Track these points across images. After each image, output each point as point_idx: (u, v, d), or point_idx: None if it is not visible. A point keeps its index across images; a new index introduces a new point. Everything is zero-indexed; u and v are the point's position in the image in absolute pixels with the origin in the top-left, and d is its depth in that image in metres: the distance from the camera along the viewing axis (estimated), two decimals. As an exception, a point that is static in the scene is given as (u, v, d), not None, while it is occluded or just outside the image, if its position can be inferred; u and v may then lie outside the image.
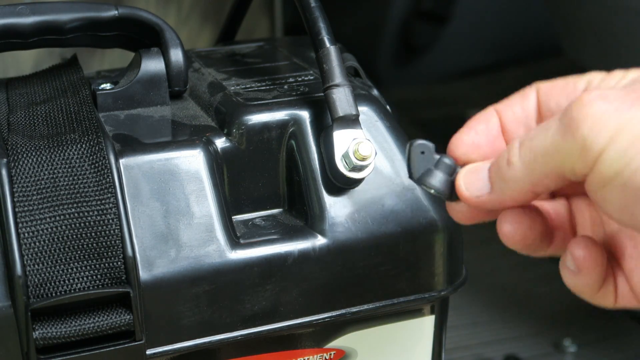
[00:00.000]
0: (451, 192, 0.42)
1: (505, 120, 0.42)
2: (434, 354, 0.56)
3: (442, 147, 0.43)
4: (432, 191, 0.42)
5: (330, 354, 0.53)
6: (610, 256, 0.42)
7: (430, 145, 0.43)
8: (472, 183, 0.41)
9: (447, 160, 0.42)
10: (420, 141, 0.43)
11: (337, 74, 0.50)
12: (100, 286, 0.46)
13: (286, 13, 1.22)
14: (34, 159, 0.46)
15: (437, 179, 0.42)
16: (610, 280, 0.41)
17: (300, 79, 0.57)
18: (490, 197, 0.41)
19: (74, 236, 0.45)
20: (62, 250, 0.45)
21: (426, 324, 0.55)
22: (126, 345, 0.46)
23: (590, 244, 0.40)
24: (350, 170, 0.50)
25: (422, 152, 0.43)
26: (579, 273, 0.40)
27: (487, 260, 0.94)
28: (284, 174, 0.52)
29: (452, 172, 0.42)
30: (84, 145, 0.47)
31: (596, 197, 0.37)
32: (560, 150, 0.37)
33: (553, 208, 0.44)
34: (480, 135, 0.42)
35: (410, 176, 0.43)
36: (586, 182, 0.37)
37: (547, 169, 0.38)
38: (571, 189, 0.43)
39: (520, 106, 0.42)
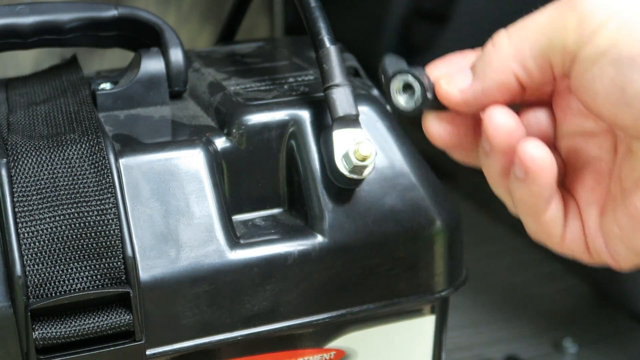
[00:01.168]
0: (429, 101, 0.40)
1: None
2: (434, 354, 0.56)
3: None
4: (406, 102, 0.40)
5: (330, 354, 0.53)
6: (565, 192, 0.40)
7: (401, 60, 0.41)
8: (453, 77, 0.40)
9: (422, 70, 0.41)
10: (391, 57, 0.41)
11: (337, 74, 0.50)
12: (100, 286, 0.46)
13: (286, 13, 1.22)
14: (34, 159, 0.46)
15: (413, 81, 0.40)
16: (558, 208, 0.39)
17: (300, 79, 0.57)
18: (473, 86, 0.39)
19: (74, 236, 0.45)
20: (61, 250, 0.45)
21: (426, 324, 0.55)
22: (126, 345, 0.46)
23: (542, 146, 0.37)
24: (350, 171, 0.50)
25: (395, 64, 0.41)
26: (526, 179, 0.37)
27: (487, 260, 0.94)
28: (284, 174, 0.52)
29: (428, 83, 0.40)
30: (83, 145, 0.47)
31: (583, 79, 0.36)
32: (556, 24, 0.36)
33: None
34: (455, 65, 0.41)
35: (385, 87, 0.41)
36: (576, 60, 0.36)
37: (537, 47, 0.37)
38: (540, 93, 0.41)
39: None
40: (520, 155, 0.37)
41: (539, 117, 0.41)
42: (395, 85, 0.40)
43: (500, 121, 0.38)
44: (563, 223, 0.39)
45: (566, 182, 0.40)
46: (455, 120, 0.40)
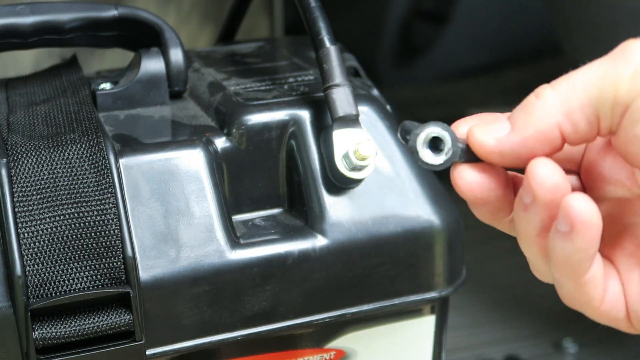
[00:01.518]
0: (460, 152, 0.38)
1: None
2: (434, 354, 0.56)
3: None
4: (434, 156, 0.38)
5: (330, 354, 0.53)
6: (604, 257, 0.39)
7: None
8: (488, 126, 0.37)
9: (448, 126, 0.38)
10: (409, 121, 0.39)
11: (337, 74, 0.50)
12: (100, 286, 0.46)
13: (286, 13, 1.22)
14: (34, 159, 0.46)
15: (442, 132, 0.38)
16: (600, 268, 0.38)
17: (300, 79, 0.57)
18: (511, 136, 0.37)
19: (74, 236, 0.45)
20: (61, 250, 0.45)
21: (426, 324, 0.55)
22: (126, 345, 0.46)
23: (588, 200, 0.35)
24: (350, 170, 0.50)
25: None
26: (571, 233, 0.35)
27: (487, 260, 0.94)
28: (284, 174, 0.52)
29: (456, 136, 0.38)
30: (83, 145, 0.47)
31: (633, 130, 0.35)
32: (608, 76, 0.35)
33: None
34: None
35: (408, 138, 0.39)
36: (628, 111, 0.35)
37: (586, 98, 0.35)
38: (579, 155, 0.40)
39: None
40: (566, 208, 0.35)
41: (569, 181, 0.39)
42: (422, 139, 0.38)
43: (546, 172, 0.36)
44: (603, 285, 0.38)
45: (602, 248, 0.39)
46: (487, 172, 0.38)
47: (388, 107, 0.56)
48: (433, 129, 0.38)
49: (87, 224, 0.46)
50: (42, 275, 0.45)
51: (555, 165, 0.36)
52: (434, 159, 0.38)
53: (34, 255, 0.45)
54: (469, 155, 0.38)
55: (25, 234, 0.45)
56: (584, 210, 0.35)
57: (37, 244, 0.45)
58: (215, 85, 0.56)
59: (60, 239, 0.45)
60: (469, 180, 0.38)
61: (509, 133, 0.37)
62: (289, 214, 0.53)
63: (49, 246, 0.45)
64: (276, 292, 0.50)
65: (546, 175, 0.36)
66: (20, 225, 0.45)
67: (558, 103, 0.36)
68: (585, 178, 0.40)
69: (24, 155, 0.46)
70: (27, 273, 0.45)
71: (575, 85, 0.36)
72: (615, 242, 0.39)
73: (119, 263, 0.46)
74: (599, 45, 0.97)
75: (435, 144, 0.38)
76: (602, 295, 0.38)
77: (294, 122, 0.52)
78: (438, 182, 0.54)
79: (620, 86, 0.35)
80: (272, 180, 0.52)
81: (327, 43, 0.51)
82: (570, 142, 0.37)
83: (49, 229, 0.45)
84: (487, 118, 0.39)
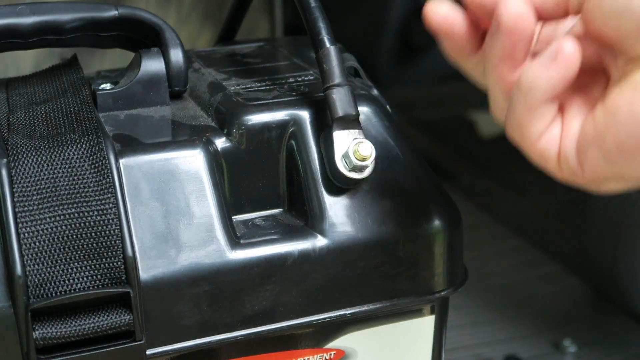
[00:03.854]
0: None
1: None
2: (434, 354, 0.56)
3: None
4: None
5: (330, 354, 0.53)
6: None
7: None
8: None
9: None
10: None
11: (337, 74, 0.50)
12: (100, 286, 0.46)
13: (286, 13, 1.22)
14: (34, 159, 0.46)
15: None
16: (547, 111, 0.40)
17: (300, 79, 0.57)
18: None
19: (74, 236, 0.45)
20: (62, 250, 0.45)
21: (426, 324, 0.55)
22: (126, 345, 0.46)
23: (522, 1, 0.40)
24: (350, 171, 0.50)
25: None
26: (555, 61, 0.39)
27: (487, 260, 0.94)
28: (284, 174, 0.52)
29: None
30: (84, 145, 0.47)
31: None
32: None
33: None
34: None
35: None
36: None
37: None
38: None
39: None
40: (497, 7, 0.40)
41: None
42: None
43: (514, 3, 0.40)
44: (548, 123, 0.41)
45: (562, 95, 0.42)
46: (456, 10, 0.43)
47: (388, 107, 0.56)
48: None
49: (87, 224, 0.46)
50: (43, 275, 0.45)
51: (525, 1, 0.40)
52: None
53: (34, 255, 0.45)
54: None
55: (26, 234, 0.45)
56: (512, 6, 0.39)
57: (37, 244, 0.45)
58: (215, 85, 0.56)
59: (60, 238, 0.45)
60: (440, 12, 0.43)
61: None
62: (289, 214, 0.53)
63: (49, 246, 0.45)
64: (276, 292, 0.50)
65: (513, 4, 0.40)
66: (20, 225, 0.45)
67: None
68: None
69: (24, 155, 0.46)
70: (27, 273, 0.45)
71: None
72: (572, 93, 0.42)
73: (119, 263, 0.46)
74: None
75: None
76: (543, 132, 0.41)
77: (294, 122, 0.52)
78: (438, 182, 0.54)
79: None
80: (272, 180, 0.52)
81: (327, 43, 0.51)
82: None
83: (49, 229, 0.45)
84: None
